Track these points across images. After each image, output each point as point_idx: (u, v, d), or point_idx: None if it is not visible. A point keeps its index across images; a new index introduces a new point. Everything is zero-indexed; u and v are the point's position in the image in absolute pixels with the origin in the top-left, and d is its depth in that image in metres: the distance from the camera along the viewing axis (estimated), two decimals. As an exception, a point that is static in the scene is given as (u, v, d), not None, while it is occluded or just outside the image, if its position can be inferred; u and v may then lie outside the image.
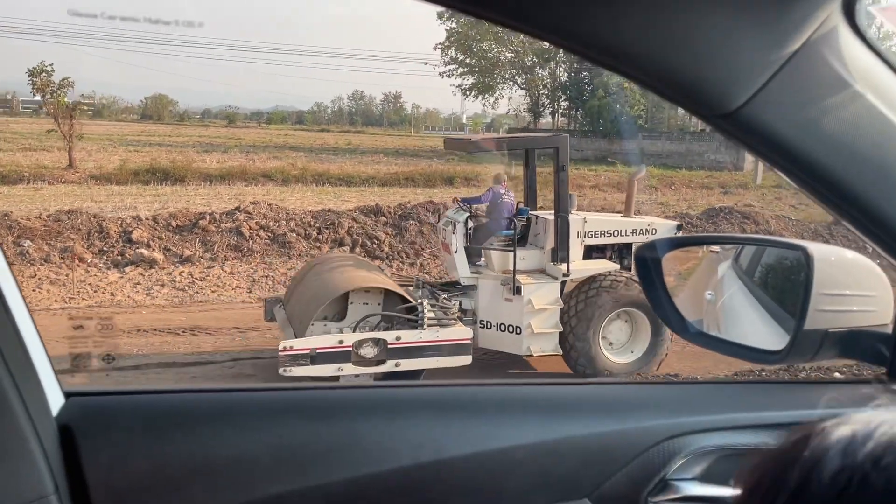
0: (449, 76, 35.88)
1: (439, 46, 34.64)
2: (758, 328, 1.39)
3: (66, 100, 20.10)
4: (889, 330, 1.15)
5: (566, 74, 31.86)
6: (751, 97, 0.78)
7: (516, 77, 35.99)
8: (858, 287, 1.17)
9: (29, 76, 20.46)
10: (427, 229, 12.30)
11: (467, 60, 35.49)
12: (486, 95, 37.70)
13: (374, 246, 12.04)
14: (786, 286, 1.33)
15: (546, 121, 37.87)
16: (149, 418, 0.94)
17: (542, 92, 36.58)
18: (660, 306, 1.35)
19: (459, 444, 1.12)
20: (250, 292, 10.21)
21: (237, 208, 12.69)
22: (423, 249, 12.08)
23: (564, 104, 36.76)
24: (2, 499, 0.80)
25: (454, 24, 32.10)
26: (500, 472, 1.14)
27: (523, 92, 37.31)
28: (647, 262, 1.36)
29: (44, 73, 20.29)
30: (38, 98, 22.70)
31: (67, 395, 0.93)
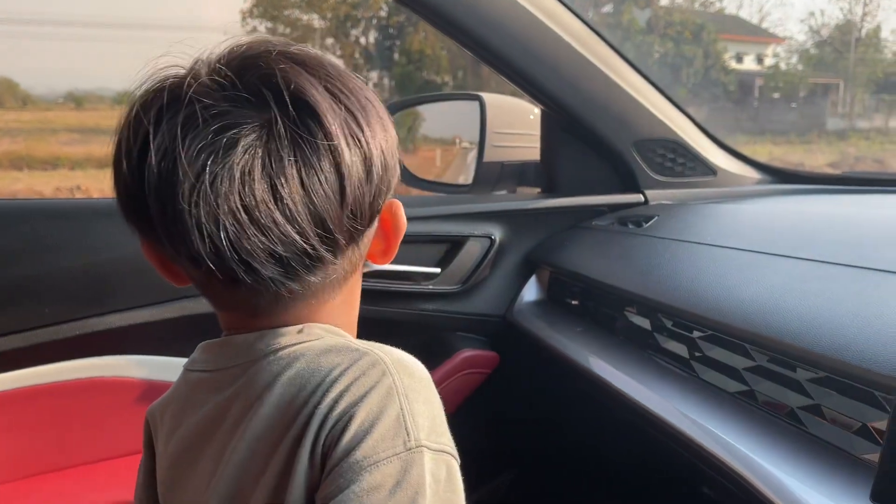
0: (260, 45, 34.27)
1: (244, 14, 32.99)
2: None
3: None
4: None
5: (375, 42, 31.93)
6: None
7: (335, 47, 35.40)
8: (523, 127, 1.52)
9: None
10: None
11: (280, 29, 34.16)
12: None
13: None
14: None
15: (362, 90, 37.67)
16: None
17: (357, 60, 36.34)
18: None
19: None
20: None
21: None
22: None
23: (374, 74, 36.88)
24: None
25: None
26: None
27: (339, 61, 36.71)
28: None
29: None
30: None
31: None
